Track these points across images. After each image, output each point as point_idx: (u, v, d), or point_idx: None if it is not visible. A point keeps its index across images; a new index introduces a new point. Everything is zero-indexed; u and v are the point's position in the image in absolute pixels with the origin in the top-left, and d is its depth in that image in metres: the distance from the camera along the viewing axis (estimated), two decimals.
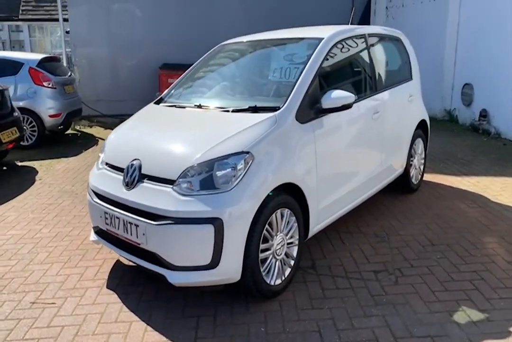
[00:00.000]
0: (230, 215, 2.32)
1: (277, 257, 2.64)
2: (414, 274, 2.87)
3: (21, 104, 7.03)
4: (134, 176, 2.61)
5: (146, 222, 2.43)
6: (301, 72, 2.88)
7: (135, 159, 2.68)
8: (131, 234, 2.54)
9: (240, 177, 2.39)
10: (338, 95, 2.81)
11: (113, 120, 9.22)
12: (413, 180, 4.39)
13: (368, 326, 2.33)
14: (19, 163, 6.36)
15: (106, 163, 2.94)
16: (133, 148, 2.81)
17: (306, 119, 2.79)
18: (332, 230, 3.54)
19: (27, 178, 5.56)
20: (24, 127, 7.08)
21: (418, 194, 4.47)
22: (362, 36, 3.56)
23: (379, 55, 3.79)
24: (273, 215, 2.55)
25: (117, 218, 2.61)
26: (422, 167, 4.59)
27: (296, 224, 2.75)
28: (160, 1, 9.83)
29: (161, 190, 2.47)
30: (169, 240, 2.38)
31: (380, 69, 3.72)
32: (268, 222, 2.52)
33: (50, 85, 7.36)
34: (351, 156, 3.24)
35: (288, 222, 2.69)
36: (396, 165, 4.00)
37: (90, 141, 7.81)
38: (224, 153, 2.45)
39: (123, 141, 3.02)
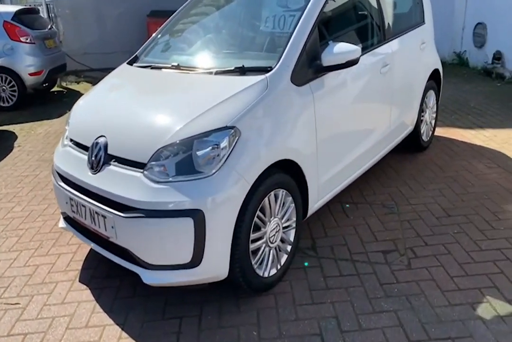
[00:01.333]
0: (213, 205, 1.93)
1: (271, 245, 2.28)
2: (429, 255, 2.53)
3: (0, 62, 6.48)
4: (100, 156, 2.19)
5: (114, 213, 2.05)
6: (297, 22, 2.34)
7: (100, 136, 2.25)
8: (99, 226, 2.17)
9: (224, 157, 1.96)
10: (342, 49, 2.29)
11: (102, 74, 8.53)
12: (424, 137, 3.94)
13: (378, 325, 2.01)
14: None
15: (71, 140, 2.51)
16: (98, 123, 2.36)
17: (304, 80, 2.30)
18: (334, 201, 3.15)
19: (5, 145, 5.14)
20: (3, 87, 6.64)
21: (429, 152, 4.04)
22: None
23: None
24: (266, 198, 2.15)
25: (83, 206, 2.23)
26: (433, 122, 4.12)
27: (293, 205, 2.36)
28: None
29: (130, 175, 2.06)
30: (141, 236, 2.01)
31: (389, 13, 3.12)
32: (259, 207, 2.13)
33: (28, 41, 6.68)
34: (356, 119, 2.77)
35: (283, 203, 2.30)
36: (406, 123, 3.53)
37: (76, 99, 7.24)
38: (205, 129, 2.00)
39: (88, 112, 2.55)
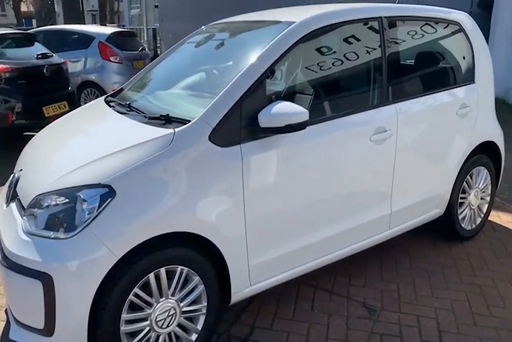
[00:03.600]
0: (63, 272, 1.64)
1: (161, 330, 1.86)
2: None
3: (92, 77, 7.25)
4: (11, 190, 2.12)
5: None
6: (239, 72, 1.96)
7: (20, 169, 2.18)
8: None
9: (89, 220, 1.66)
10: (281, 110, 1.85)
11: None
12: (464, 224, 3.10)
13: None
14: None
15: None
16: (28, 155, 2.32)
17: (233, 140, 1.89)
18: (308, 283, 2.61)
19: None
20: (91, 100, 7.34)
21: (472, 244, 3.17)
22: (373, 20, 2.37)
23: (407, 48, 2.59)
24: (151, 274, 1.77)
25: None
26: (486, 207, 3.25)
27: (202, 286, 1.92)
28: None
29: (16, 218, 1.89)
30: (8, 286, 1.81)
31: (402, 69, 2.55)
32: (142, 283, 1.76)
33: (116, 60, 7.33)
34: (319, 195, 2.20)
35: (185, 282, 1.88)
36: (428, 205, 2.81)
37: None
38: (78, 183, 1.74)
39: (34, 142, 2.51)
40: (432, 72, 2.75)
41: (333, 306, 2.46)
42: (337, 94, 2.32)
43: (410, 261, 2.95)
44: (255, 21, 2.49)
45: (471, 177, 3.03)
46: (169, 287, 1.83)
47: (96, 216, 1.65)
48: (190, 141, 1.82)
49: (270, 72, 1.96)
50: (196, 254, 1.86)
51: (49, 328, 1.69)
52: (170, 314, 1.86)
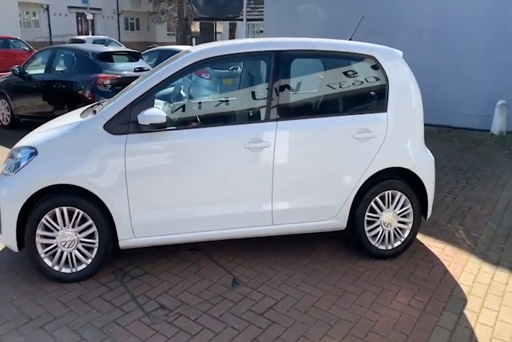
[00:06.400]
0: (3, 194, 2.83)
1: (65, 249, 2.90)
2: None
3: None
4: None
5: None
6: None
7: None
8: None
9: (21, 166, 2.83)
10: (149, 113, 2.77)
11: None
12: (375, 242, 3.36)
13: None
14: None
15: None
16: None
17: (121, 131, 2.84)
18: (211, 256, 3.38)
19: None
20: None
21: (383, 263, 3.34)
22: (263, 53, 3.06)
23: (302, 77, 3.17)
24: (57, 209, 2.82)
25: None
26: (407, 232, 3.42)
27: (94, 228, 2.90)
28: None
29: None
30: None
31: (290, 94, 3.11)
32: (52, 214, 2.84)
33: (207, 77, 8.80)
34: (189, 182, 2.97)
35: (83, 221, 2.88)
36: (316, 214, 3.24)
37: None
38: (24, 144, 2.97)
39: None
40: (327, 99, 3.29)
41: (212, 274, 3.16)
42: (222, 109, 3.17)
43: (310, 261, 3.37)
44: (188, 50, 3.34)
45: (382, 198, 3.31)
46: (70, 221, 2.85)
47: (25, 165, 2.81)
48: (89, 128, 2.87)
49: (159, 87, 2.89)
50: (90, 203, 2.85)
51: (0, 228, 2.87)
52: (70, 239, 2.88)
